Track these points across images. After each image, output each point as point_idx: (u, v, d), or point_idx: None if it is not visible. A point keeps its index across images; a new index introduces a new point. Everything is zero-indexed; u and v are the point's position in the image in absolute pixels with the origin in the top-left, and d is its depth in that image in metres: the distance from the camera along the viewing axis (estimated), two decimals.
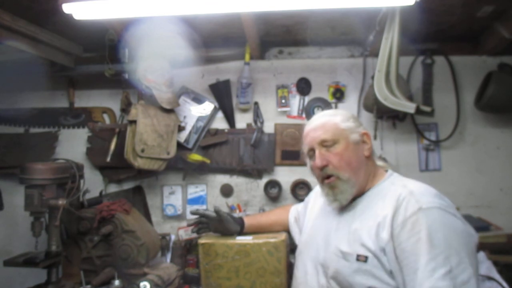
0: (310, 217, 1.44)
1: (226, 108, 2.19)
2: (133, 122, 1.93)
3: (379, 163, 1.31)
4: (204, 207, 2.20)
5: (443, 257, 0.94)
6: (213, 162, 2.17)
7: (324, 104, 2.15)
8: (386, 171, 1.27)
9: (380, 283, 1.04)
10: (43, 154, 2.23)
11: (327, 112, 1.32)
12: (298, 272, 1.32)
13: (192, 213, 1.69)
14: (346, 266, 1.09)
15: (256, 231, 1.63)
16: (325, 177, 1.22)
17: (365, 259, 1.06)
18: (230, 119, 2.20)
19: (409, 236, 0.99)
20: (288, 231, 1.63)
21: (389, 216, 1.06)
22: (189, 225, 1.77)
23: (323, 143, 1.21)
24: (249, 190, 2.19)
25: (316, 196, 1.50)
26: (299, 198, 2.06)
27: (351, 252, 1.10)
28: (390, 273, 1.03)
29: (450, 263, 0.93)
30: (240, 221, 1.63)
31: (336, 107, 2.16)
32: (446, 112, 2.07)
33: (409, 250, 0.98)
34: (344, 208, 1.25)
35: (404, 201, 1.06)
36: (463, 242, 0.98)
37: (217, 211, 1.61)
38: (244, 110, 2.20)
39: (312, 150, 1.25)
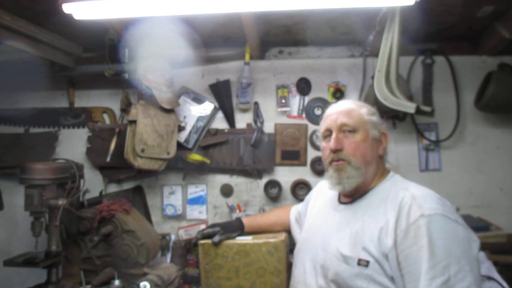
0: (310, 216, 1.44)
1: (226, 108, 2.19)
2: (133, 122, 1.93)
3: (387, 165, 1.30)
4: (204, 207, 2.21)
5: (442, 266, 0.94)
6: (213, 162, 2.17)
7: (324, 104, 2.15)
8: (388, 172, 1.27)
9: None
10: (43, 154, 2.23)
11: (354, 101, 1.30)
12: (296, 270, 1.31)
13: (199, 238, 1.60)
14: (347, 270, 1.09)
15: (256, 232, 1.63)
16: (335, 159, 1.21)
17: (366, 263, 1.06)
18: (230, 119, 2.20)
19: (412, 243, 0.99)
20: (288, 231, 1.63)
21: (392, 221, 1.05)
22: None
23: (343, 128, 1.20)
24: (249, 190, 2.19)
25: (317, 195, 1.49)
26: (299, 198, 2.06)
27: (352, 256, 1.09)
28: (392, 279, 1.03)
29: (448, 272, 0.93)
30: (239, 224, 1.62)
31: None
32: (446, 112, 2.07)
33: (412, 258, 0.98)
34: (345, 207, 1.24)
35: (406, 206, 1.05)
36: (464, 250, 0.97)
37: (219, 227, 1.57)
38: (244, 110, 2.20)
39: (328, 131, 1.24)
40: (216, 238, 1.51)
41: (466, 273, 0.93)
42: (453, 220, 1.01)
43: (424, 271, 0.95)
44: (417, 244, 0.98)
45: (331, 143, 1.20)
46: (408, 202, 1.05)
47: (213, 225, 1.60)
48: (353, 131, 1.20)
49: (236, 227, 1.60)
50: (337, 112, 1.24)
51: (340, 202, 1.28)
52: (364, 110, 1.24)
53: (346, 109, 1.24)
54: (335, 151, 1.20)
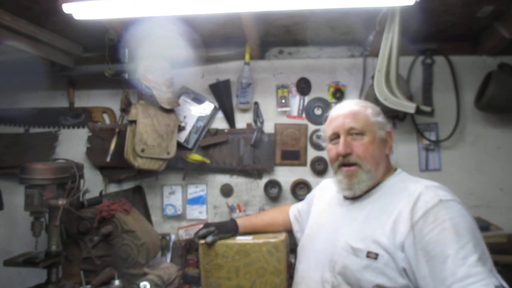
0: (315, 213, 1.43)
1: (226, 108, 2.19)
2: (133, 122, 1.93)
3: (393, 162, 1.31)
4: (204, 207, 2.21)
5: (472, 245, 0.95)
6: (213, 162, 2.17)
7: (324, 104, 2.15)
8: (395, 169, 1.28)
9: (388, 281, 1.03)
10: (43, 154, 2.24)
11: (358, 101, 1.31)
12: (300, 266, 1.31)
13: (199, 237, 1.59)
14: (356, 262, 1.09)
15: (250, 233, 1.62)
16: (345, 164, 1.21)
17: (375, 256, 1.06)
18: (230, 119, 2.20)
19: (433, 227, 1.00)
20: (284, 231, 1.62)
21: (406, 210, 1.06)
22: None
23: (351, 131, 1.21)
24: (249, 190, 2.19)
25: (321, 192, 1.49)
26: (299, 198, 2.06)
27: (362, 248, 1.09)
28: (403, 271, 1.03)
29: (478, 251, 0.95)
30: (234, 225, 1.62)
31: None
32: (446, 112, 2.07)
33: (435, 241, 0.98)
34: (353, 202, 1.24)
35: (421, 195, 1.07)
36: (479, 233, 1.01)
37: (214, 227, 1.58)
38: (244, 110, 2.20)
39: (335, 135, 1.25)
40: (209, 239, 1.51)
41: (489, 254, 0.97)
42: (464, 207, 1.05)
43: (454, 252, 0.95)
44: (438, 227, 0.99)
45: (340, 147, 1.21)
46: (423, 192, 1.08)
47: (207, 225, 1.60)
48: (361, 133, 1.21)
49: (230, 228, 1.60)
50: (343, 115, 1.24)
51: (346, 198, 1.28)
52: (370, 111, 1.24)
53: (352, 111, 1.24)
54: (345, 155, 1.20)
